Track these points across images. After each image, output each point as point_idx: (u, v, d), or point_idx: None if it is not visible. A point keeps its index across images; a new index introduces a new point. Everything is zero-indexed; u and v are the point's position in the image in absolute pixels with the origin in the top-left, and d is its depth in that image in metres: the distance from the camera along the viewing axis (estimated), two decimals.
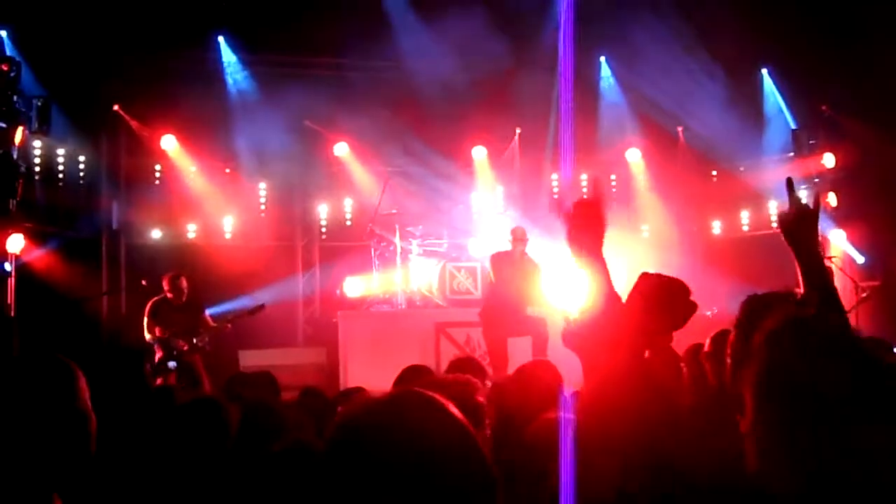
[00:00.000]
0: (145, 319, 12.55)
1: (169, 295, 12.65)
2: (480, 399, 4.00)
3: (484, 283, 14.62)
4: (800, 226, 3.42)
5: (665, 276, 3.28)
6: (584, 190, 3.16)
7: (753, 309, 3.25)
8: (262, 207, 17.68)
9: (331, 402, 6.37)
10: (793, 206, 3.44)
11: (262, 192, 17.65)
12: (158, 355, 12.36)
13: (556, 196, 17.28)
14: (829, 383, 1.93)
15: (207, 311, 13.02)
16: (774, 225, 17.56)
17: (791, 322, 2.07)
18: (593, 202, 2.97)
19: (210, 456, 4.33)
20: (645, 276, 3.40)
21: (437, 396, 1.84)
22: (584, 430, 2.89)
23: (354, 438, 1.76)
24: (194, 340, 12.48)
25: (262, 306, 12.90)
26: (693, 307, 3.04)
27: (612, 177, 19.21)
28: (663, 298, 3.10)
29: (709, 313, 14.98)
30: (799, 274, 3.36)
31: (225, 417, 4.48)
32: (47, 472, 2.54)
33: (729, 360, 3.21)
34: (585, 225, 2.92)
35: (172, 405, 5.85)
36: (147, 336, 12.47)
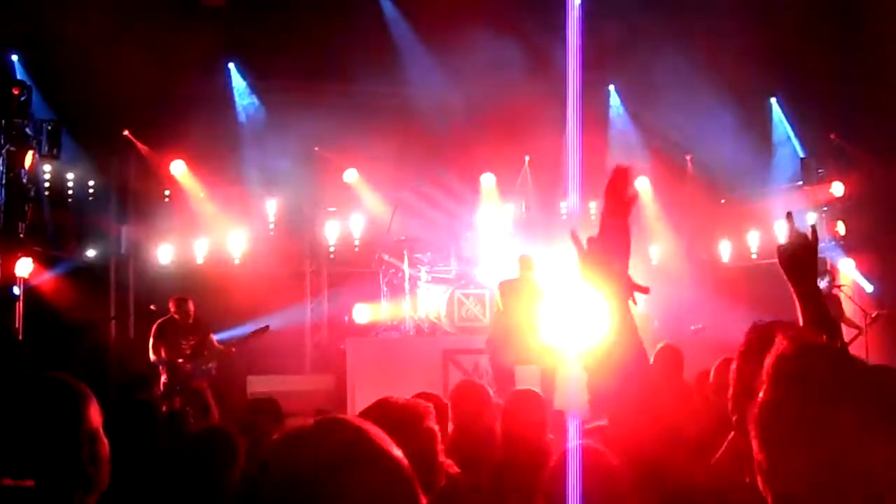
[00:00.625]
0: (151, 340, 12.51)
1: (175, 316, 12.62)
2: (429, 425, 3.95)
3: (492, 310, 14.61)
4: (799, 258, 3.42)
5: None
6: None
7: (758, 337, 3.22)
8: (271, 233, 17.65)
9: None
10: (791, 239, 3.44)
11: (272, 219, 17.61)
12: (163, 378, 12.32)
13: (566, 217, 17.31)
14: (838, 412, 1.90)
15: (214, 337, 12.99)
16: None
17: (797, 350, 2.05)
18: (625, 173, 2.99)
19: (219, 485, 4.32)
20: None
21: (364, 425, 1.79)
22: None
23: (266, 467, 1.72)
24: (199, 362, 12.44)
25: (265, 328, 12.83)
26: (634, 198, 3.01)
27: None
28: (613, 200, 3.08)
29: (692, 327, 15.00)
30: (798, 307, 3.37)
31: (233, 447, 4.47)
32: (50, 495, 2.53)
33: (732, 389, 3.18)
34: (599, 260, 2.93)
35: (183, 432, 5.84)
36: (152, 356, 12.42)
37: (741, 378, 3.02)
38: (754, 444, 1.98)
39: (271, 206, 17.47)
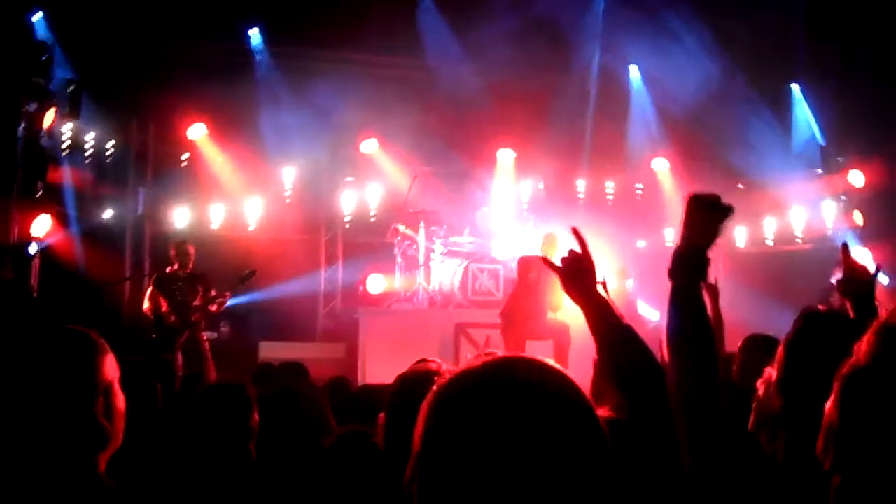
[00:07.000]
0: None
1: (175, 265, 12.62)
2: None
3: (506, 284, 14.62)
4: (857, 288, 3.52)
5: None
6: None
7: (810, 328, 3.20)
8: (288, 200, 17.59)
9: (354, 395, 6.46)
10: (848, 271, 3.56)
11: (288, 185, 17.54)
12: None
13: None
14: None
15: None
16: (799, 240, 17.49)
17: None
18: (580, 255, 3.08)
19: (233, 439, 4.32)
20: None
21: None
22: None
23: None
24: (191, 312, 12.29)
25: (252, 273, 12.66)
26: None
27: (639, 186, 19.11)
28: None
29: None
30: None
31: (248, 400, 4.46)
32: (64, 446, 2.54)
33: (778, 375, 3.12)
34: (576, 276, 3.04)
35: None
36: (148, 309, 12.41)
37: (787, 364, 2.98)
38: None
39: (288, 174, 17.40)
